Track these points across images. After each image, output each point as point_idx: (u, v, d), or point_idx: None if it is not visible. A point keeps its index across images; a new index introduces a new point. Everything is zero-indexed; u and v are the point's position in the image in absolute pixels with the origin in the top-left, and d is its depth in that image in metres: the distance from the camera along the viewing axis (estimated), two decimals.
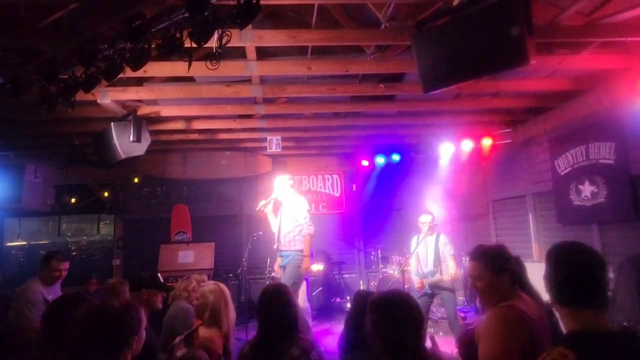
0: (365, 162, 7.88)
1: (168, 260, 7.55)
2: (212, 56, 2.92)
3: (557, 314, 1.64)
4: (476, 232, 7.52)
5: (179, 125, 5.80)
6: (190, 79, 4.54)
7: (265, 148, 6.62)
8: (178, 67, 3.87)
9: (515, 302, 1.97)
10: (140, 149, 5.00)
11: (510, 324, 1.87)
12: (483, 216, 7.49)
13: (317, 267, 7.00)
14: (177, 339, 2.82)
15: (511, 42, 2.60)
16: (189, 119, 5.72)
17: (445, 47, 2.97)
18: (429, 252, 5.26)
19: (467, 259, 6.52)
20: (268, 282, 5.54)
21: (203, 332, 2.84)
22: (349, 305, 6.86)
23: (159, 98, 5.00)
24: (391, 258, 7.20)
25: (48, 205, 7.10)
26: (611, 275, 4.58)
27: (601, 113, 4.74)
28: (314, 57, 4.31)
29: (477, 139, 6.49)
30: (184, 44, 2.83)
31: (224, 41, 2.80)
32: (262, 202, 5.29)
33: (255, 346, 2.38)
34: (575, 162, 5.18)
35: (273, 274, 5.93)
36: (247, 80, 4.60)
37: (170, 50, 2.84)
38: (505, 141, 6.43)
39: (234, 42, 3.23)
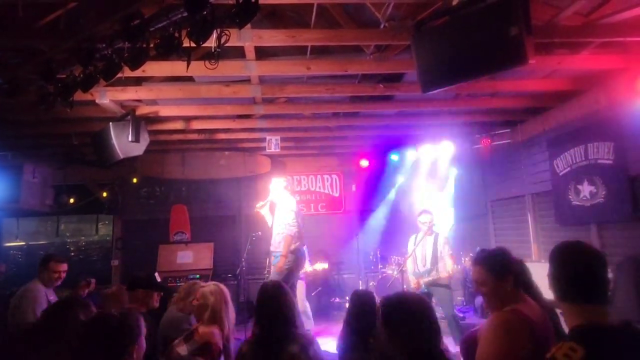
0: (364, 162, 7.88)
1: (167, 260, 7.55)
2: (210, 56, 2.92)
3: (560, 312, 1.70)
4: (475, 232, 7.52)
5: (178, 125, 5.79)
6: (189, 79, 4.53)
7: (264, 148, 6.62)
8: (177, 67, 3.86)
9: (520, 306, 1.99)
10: (138, 149, 5.00)
11: (512, 328, 1.88)
12: (482, 216, 7.50)
13: (322, 265, 7.01)
14: (177, 340, 2.81)
15: (510, 42, 2.60)
16: (187, 119, 5.71)
17: (444, 47, 2.97)
18: (427, 251, 5.27)
19: (466, 259, 6.56)
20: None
21: (203, 329, 2.84)
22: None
23: (158, 98, 4.99)
24: (390, 258, 7.20)
25: (46, 205, 7.09)
26: (610, 275, 4.60)
27: (600, 113, 4.74)
28: (313, 57, 4.31)
29: (476, 139, 6.49)
30: (182, 44, 2.82)
31: (222, 41, 2.79)
32: (260, 204, 5.40)
33: (254, 344, 2.38)
34: (574, 162, 5.18)
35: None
36: (246, 80, 4.59)
37: (169, 50, 2.83)
38: (504, 141, 6.43)
39: (233, 42, 3.23)
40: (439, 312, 6.05)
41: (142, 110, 5.16)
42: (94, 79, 3.31)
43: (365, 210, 8.51)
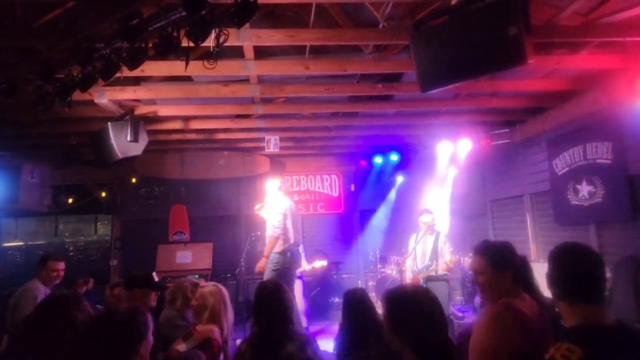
0: (363, 162, 7.88)
1: (166, 260, 7.54)
2: (209, 55, 2.91)
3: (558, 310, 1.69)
4: (474, 232, 7.51)
5: (177, 125, 5.78)
6: (187, 79, 4.52)
7: (263, 148, 6.61)
8: (175, 67, 3.85)
9: (515, 300, 1.98)
10: (137, 149, 4.99)
11: (504, 321, 1.89)
12: (481, 216, 7.49)
13: (321, 263, 7.00)
14: (176, 340, 2.81)
15: (509, 41, 2.59)
16: (186, 118, 5.71)
17: (443, 47, 2.97)
18: (427, 248, 5.30)
19: (465, 259, 6.56)
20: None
21: (201, 327, 2.84)
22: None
23: (157, 98, 4.99)
24: (389, 258, 7.20)
25: (45, 205, 7.08)
26: (608, 275, 4.61)
27: (599, 113, 4.74)
28: (312, 57, 4.30)
29: (475, 139, 6.49)
30: (181, 43, 2.82)
31: (221, 40, 2.79)
32: (258, 206, 5.48)
33: (252, 343, 2.38)
34: (573, 162, 5.18)
35: None
36: (245, 80, 4.59)
37: (168, 50, 2.83)
38: (503, 141, 6.42)
39: (232, 42, 3.22)
40: None
41: (141, 110, 5.16)
42: (93, 78, 3.31)
43: (364, 210, 8.51)
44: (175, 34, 2.79)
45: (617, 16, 3.41)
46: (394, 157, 7.64)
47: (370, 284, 7.25)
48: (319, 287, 7.57)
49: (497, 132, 6.46)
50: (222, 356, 2.78)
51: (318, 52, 4.33)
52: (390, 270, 6.86)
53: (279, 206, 5.20)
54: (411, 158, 7.83)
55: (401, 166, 7.79)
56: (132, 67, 3.07)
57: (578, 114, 5.06)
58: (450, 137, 6.66)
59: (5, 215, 8.30)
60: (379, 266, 7.43)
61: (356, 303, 2.80)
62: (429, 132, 6.68)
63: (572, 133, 5.23)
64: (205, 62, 2.94)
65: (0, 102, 3.90)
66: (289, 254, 5.10)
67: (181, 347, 2.70)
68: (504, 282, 2.04)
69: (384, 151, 7.64)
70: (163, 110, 5.29)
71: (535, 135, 6.01)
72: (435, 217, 5.49)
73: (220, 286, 3.08)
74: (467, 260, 6.51)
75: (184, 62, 2.99)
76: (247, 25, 2.80)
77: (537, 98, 5.33)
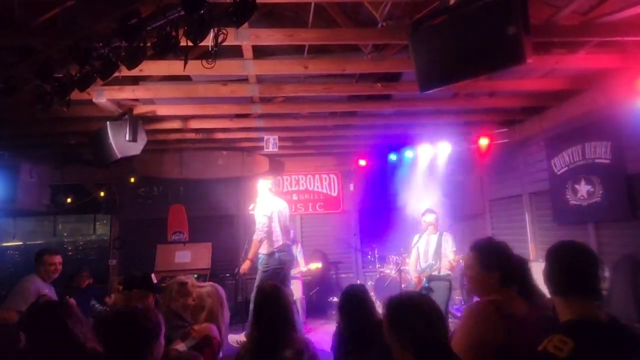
0: (362, 162, 7.88)
1: (165, 260, 7.53)
2: (208, 55, 2.90)
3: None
4: (473, 232, 7.52)
5: (176, 124, 5.77)
6: (186, 78, 4.52)
7: (262, 148, 6.61)
8: (174, 66, 3.85)
9: (500, 298, 1.99)
10: (136, 149, 4.98)
11: (483, 318, 1.91)
12: (480, 216, 7.50)
13: (316, 265, 7.00)
14: (174, 341, 2.81)
15: (508, 41, 2.59)
16: (185, 118, 5.70)
17: (442, 46, 2.96)
18: (431, 248, 5.31)
19: (463, 258, 6.54)
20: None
21: (199, 327, 2.84)
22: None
23: (155, 97, 4.98)
24: (388, 258, 7.20)
25: (44, 205, 7.07)
26: (607, 274, 4.61)
27: (598, 112, 4.75)
28: (311, 57, 4.30)
29: (474, 139, 6.49)
30: (179, 43, 2.81)
31: (220, 40, 2.78)
32: (252, 206, 5.51)
33: (251, 347, 2.37)
34: (572, 161, 5.19)
35: None
36: (244, 80, 4.58)
37: (166, 49, 2.82)
38: (502, 141, 6.43)
39: (231, 41, 3.22)
40: None
41: (140, 109, 5.15)
42: (91, 78, 3.30)
43: (363, 209, 8.51)
44: (174, 33, 2.78)
45: (616, 16, 3.41)
46: (393, 156, 7.64)
47: (369, 283, 7.24)
48: (318, 286, 7.58)
49: (495, 131, 6.47)
50: (221, 354, 2.78)
51: (317, 51, 4.33)
52: (389, 270, 6.86)
53: (265, 209, 5.22)
54: (410, 157, 7.82)
55: (400, 166, 7.78)
56: (130, 67, 3.06)
57: (577, 113, 5.07)
58: (449, 137, 6.66)
59: (4, 215, 8.29)
60: (377, 266, 7.43)
61: (357, 300, 2.73)
62: (428, 131, 6.68)
63: (570, 132, 5.24)
64: (204, 62, 2.93)
65: None
66: (276, 255, 5.13)
67: (180, 346, 2.70)
68: (491, 282, 2.04)
69: (382, 151, 7.63)
70: (162, 110, 5.29)
71: (534, 134, 6.02)
72: (439, 216, 5.50)
73: (217, 286, 3.07)
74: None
75: (182, 62, 2.98)
76: (246, 24, 2.79)
77: (535, 97, 5.33)
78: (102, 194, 7.88)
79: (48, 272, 3.93)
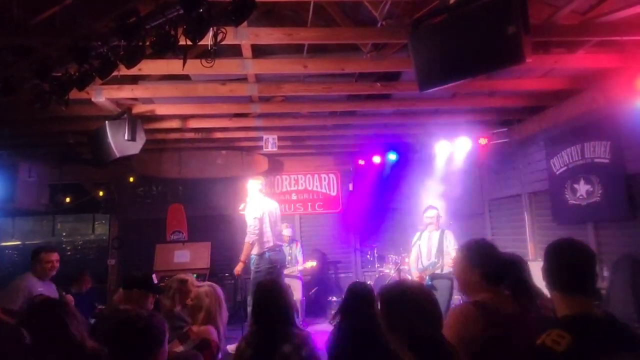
0: (361, 162, 7.88)
1: (164, 260, 7.53)
2: (207, 54, 2.90)
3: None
4: (472, 231, 7.51)
5: (175, 124, 5.77)
6: (185, 77, 4.51)
7: (261, 147, 6.61)
8: (173, 65, 3.84)
9: (484, 297, 2.02)
10: (135, 148, 4.98)
11: (465, 319, 1.95)
12: (479, 215, 7.50)
13: (311, 263, 7.00)
14: (173, 342, 2.80)
15: (507, 40, 2.59)
16: (184, 117, 5.69)
17: (441, 46, 2.96)
18: (433, 245, 5.31)
19: None
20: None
21: (198, 328, 2.83)
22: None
23: (154, 96, 4.97)
24: (387, 257, 7.20)
25: (42, 204, 7.06)
26: (606, 273, 4.62)
27: (597, 112, 4.74)
28: (310, 56, 4.29)
29: (473, 138, 6.49)
30: (178, 42, 2.80)
31: (219, 39, 2.78)
32: (242, 206, 5.54)
33: (250, 343, 2.37)
34: (571, 161, 5.19)
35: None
36: (243, 79, 4.57)
37: (165, 48, 2.81)
38: (501, 140, 6.42)
39: (230, 40, 3.21)
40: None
41: (139, 108, 5.14)
42: (90, 77, 3.29)
43: (362, 209, 8.50)
44: (172, 32, 2.77)
45: (615, 15, 3.41)
46: (392, 156, 7.63)
47: (368, 282, 7.24)
48: (317, 286, 7.57)
49: (495, 131, 6.46)
50: (220, 356, 2.78)
51: (316, 50, 4.32)
52: (389, 269, 6.86)
53: (255, 211, 5.24)
54: (409, 157, 7.82)
55: (399, 165, 7.78)
56: (129, 66, 3.05)
57: (576, 113, 5.06)
58: (449, 136, 6.66)
59: (3, 215, 8.28)
60: (377, 265, 7.44)
61: (361, 298, 2.67)
62: (428, 131, 6.68)
63: (570, 132, 5.23)
64: (203, 61, 2.93)
65: None
66: (267, 255, 5.18)
67: (178, 348, 2.69)
68: (474, 280, 2.09)
69: (382, 150, 7.63)
70: (161, 109, 5.28)
71: (533, 134, 6.01)
72: (440, 212, 5.51)
73: (215, 286, 3.06)
74: None
75: (181, 61, 2.98)
76: (245, 23, 2.79)
77: (535, 97, 5.33)
78: (101, 193, 7.87)
79: (45, 269, 3.87)
